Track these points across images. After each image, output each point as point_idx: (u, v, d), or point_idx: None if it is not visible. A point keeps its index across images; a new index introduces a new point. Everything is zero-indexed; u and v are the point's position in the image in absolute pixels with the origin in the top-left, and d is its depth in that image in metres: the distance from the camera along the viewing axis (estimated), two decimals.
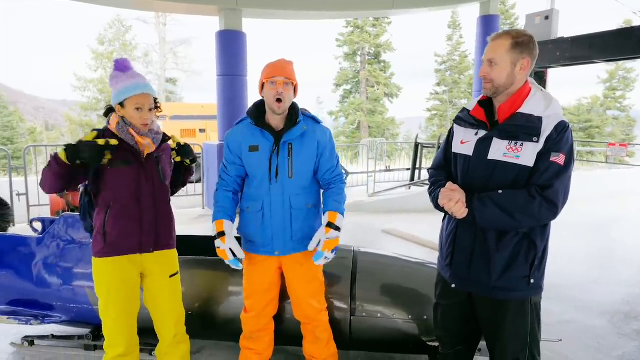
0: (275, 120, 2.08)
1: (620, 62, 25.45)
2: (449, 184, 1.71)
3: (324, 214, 2.15)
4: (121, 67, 2.00)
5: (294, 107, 2.11)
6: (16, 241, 2.74)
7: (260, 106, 2.12)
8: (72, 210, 5.42)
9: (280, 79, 1.99)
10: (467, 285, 1.78)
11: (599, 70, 29.04)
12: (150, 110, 2.01)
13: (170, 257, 2.17)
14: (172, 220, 2.20)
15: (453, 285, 1.81)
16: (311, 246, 2.10)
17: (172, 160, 2.22)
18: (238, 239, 2.23)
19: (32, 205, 6.48)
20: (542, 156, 1.60)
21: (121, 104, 1.98)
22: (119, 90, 1.97)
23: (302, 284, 2.21)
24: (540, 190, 1.58)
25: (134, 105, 1.96)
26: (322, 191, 2.25)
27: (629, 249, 5.52)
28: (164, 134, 2.16)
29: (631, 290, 4.06)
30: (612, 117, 29.10)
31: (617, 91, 28.71)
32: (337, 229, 2.08)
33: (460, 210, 1.64)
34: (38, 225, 3.03)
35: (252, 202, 2.14)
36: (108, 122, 2.05)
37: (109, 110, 2.07)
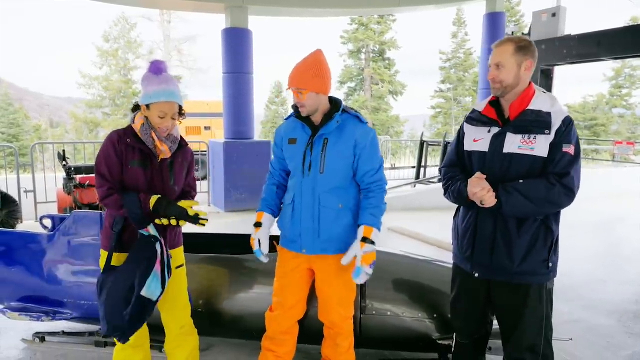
0: (316, 114, 2.09)
1: (627, 60, 25.25)
2: (478, 174, 1.82)
3: (359, 226, 2.07)
4: (155, 69, 2.00)
5: (336, 102, 2.11)
6: (27, 238, 2.76)
7: None
8: (80, 208, 5.45)
9: (293, 90, 2.04)
10: (490, 273, 1.87)
11: (605, 68, 28.92)
12: (173, 118, 2.02)
13: (176, 252, 2.20)
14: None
15: (477, 275, 1.90)
16: (345, 261, 2.02)
17: (187, 166, 2.20)
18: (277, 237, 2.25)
19: (40, 202, 6.52)
20: (554, 148, 1.75)
21: (147, 106, 2.01)
22: (148, 93, 1.99)
23: (331, 288, 2.15)
24: (558, 178, 1.73)
25: (158, 111, 1.99)
26: (361, 196, 2.15)
27: (636, 248, 5.49)
28: (182, 139, 2.17)
29: (639, 289, 4.05)
30: (617, 115, 28.94)
31: (623, 89, 28.54)
32: (373, 243, 2.02)
33: (491, 199, 1.75)
34: (48, 223, 3.04)
35: (287, 195, 2.17)
36: (133, 120, 2.07)
37: (136, 107, 2.08)
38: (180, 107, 2.05)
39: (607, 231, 6.51)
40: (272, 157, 2.29)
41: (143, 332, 2.15)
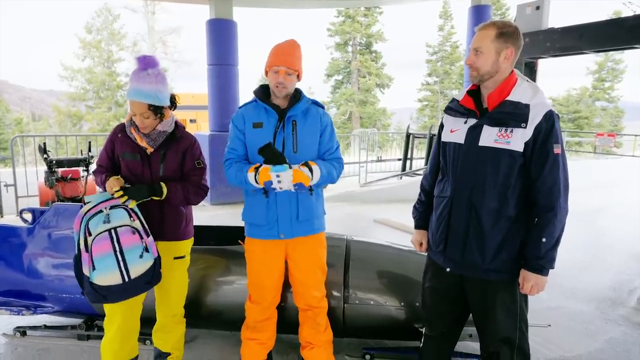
0: (280, 99, 2.12)
1: (609, 54, 25.63)
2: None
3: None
4: (140, 64, 2.01)
5: (297, 90, 2.16)
6: (6, 231, 2.71)
7: (266, 87, 2.17)
8: (62, 201, 5.37)
9: (282, 69, 2.02)
10: (461, 268, 1.83)
11: (588, 61, 29.31)
12: (146, 117, 2.01)
13: (177, 243, 2.24)
14: (180, 215, 2.20)
15: (448, 269, 1.86)
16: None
17: (182, 156, 2.18)
18: (241, 228, 2.25)
19: (21, 196, 6.40)
20: (536, 158, 1.66)
21: None
22: (126, 90, 2.05)
23: (306, 273, 2.18)
24: (544, 211, 1.69)
25: (130, 108, 2.04)
26: None
27: (615, 238, 5.61)
28: (177, 130, 2.17)
29: (617, 277, 4.15)
30: (600, 108, 29.39)
31: (605, 82, 28.96)
32: (311, 171, 1.99)
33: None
34: (28, 216, 3.00)
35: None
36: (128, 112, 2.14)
37: None
38: (156, 107, 2.01)
39: (589, 222, 6.62)
40: (229, 143, 2.16)
41: (134, 325, 2.18)
